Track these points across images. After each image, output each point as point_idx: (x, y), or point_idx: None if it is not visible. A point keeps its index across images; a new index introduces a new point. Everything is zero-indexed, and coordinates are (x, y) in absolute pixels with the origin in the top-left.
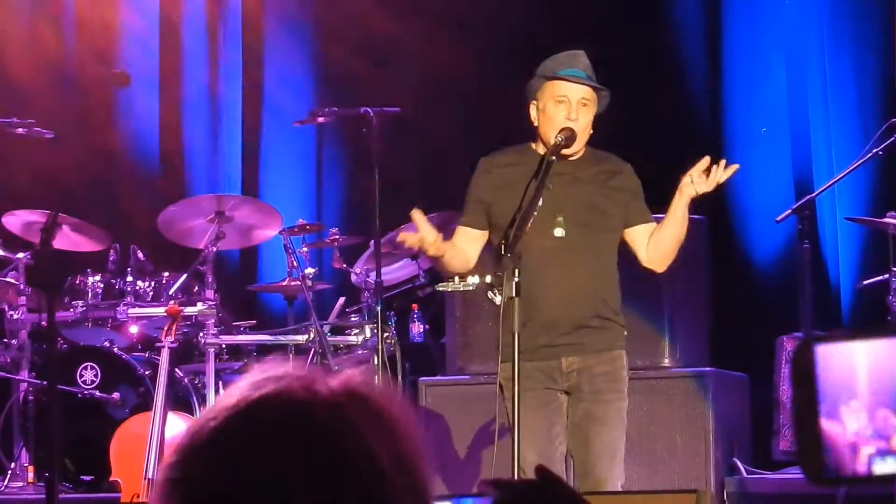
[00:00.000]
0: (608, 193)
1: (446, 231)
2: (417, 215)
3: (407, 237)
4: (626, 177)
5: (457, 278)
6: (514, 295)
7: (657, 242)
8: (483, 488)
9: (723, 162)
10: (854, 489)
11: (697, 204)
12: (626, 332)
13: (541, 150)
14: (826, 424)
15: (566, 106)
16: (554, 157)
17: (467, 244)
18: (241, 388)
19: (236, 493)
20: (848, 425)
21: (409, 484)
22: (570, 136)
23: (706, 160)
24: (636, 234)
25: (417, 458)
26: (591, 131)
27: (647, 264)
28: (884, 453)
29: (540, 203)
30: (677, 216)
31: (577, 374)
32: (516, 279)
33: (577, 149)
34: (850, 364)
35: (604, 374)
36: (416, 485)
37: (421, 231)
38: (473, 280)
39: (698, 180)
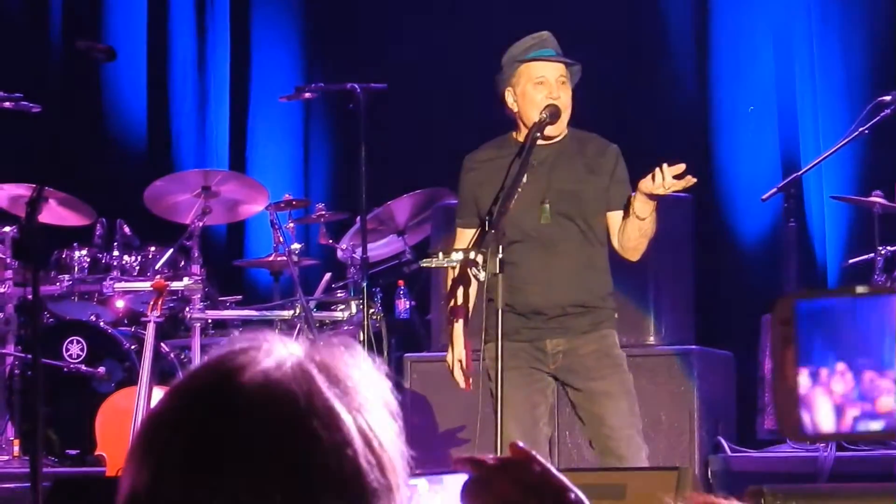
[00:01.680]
0: (590, 178)
1: (432, 207)
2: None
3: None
4: (609, 159)
5: (440, 254)
6: (497, 272)
7: (622, 233)
8: (458, 465)
9: (680, 168)
10: (839, 466)
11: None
12: (616, 315)
13: (521, 138)
14: (808, 384)
15: (546, 86)
16: (539, 134)
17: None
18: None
19: (198, 461)
20: (834, 387)
21: (375, 458)
22: (555, 112)
23: (681, 167)
24: (613, 219)
25: (383, 429)
26: (570, 109)
27: (619, 251)
28: (869, 416)
29: (524, 180)
30: (636, 212)
31: (564, 355)
32: (500, 256)
33: (560, 128)
34: (834, 324)
35: (592, 352)
36: (382, 458)
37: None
38: (457, 256)
39: (650, 183)
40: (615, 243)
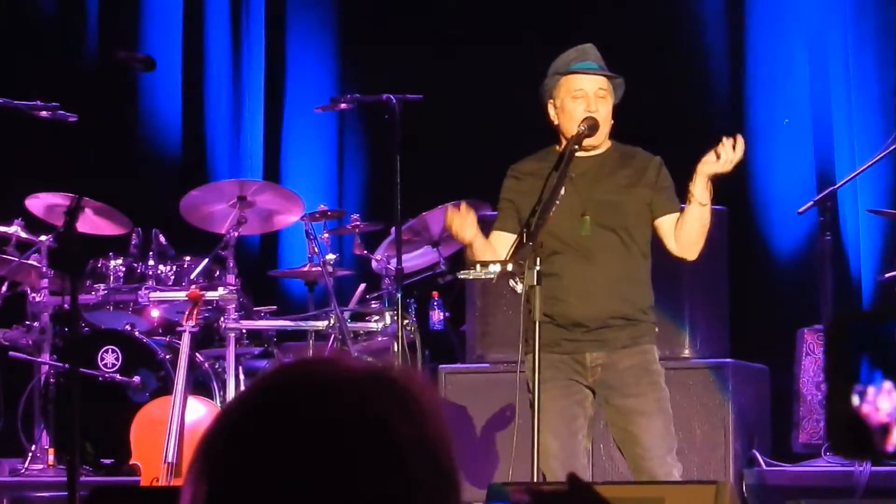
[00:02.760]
0: (632, 190)
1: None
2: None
3: (452, 215)
4: (651, 170)
5: (478, 266)
6: (535, 284)
7: (681, 229)
8: (517, 496)
9: (735, 139)
10: (875, 480)
11: (719, 193)
12: (656, 329)
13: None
14: (857, 403)
15: (584, 99)
16: (577, 146)
17: (501, 248)
18: (268, 369)
19: (255, 472)
20: (881, 406)
21: (436, 469)
22: (593, 125)
23: (727, 142)
24: (663, 224)
25: (444, 442)
26: (612, 122)
27: (676, 253)
28: None
29: (562, 192)
30: (695, 198)
31: (602, 368)
32: (538, 268)
33: (599, 140)
34: (884, 343)
35: (631, 367)
36: (443, 470)
37: (467, 218)
38: (495, 268)
39: (712, 160)
40: (671, 246)
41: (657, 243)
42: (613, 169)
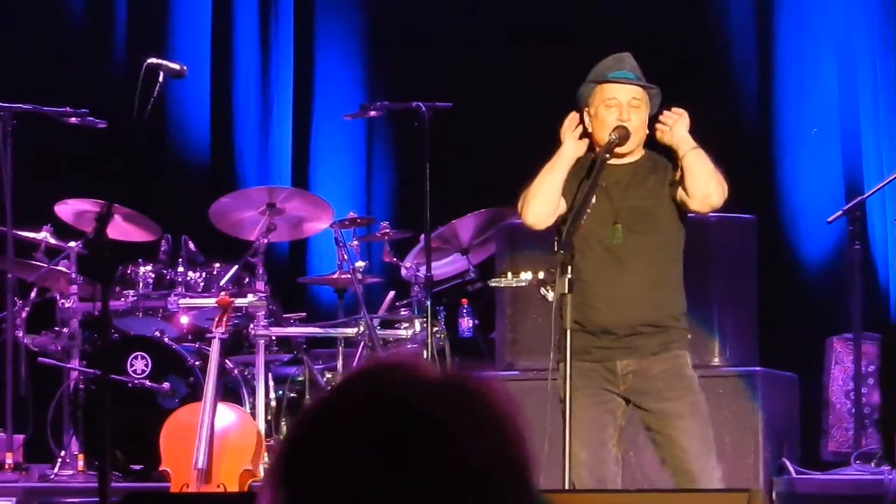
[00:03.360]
0: (662, 193)
1: (496, 226)
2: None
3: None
4: (670, 169)
5: (509, 274)
6: (566, 291)
7: (688, 183)
8: None
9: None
10: None
11: (748, 203)
12: (689, 336)
13: None
14: None
15: (617, 108)
16: (608, 155)
17: None
18: (344, 376)
19: (328, 475)
20: None
21: (512, 480)
22: (623, 135)
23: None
24: (679, 191)
25: (521, 461)
26: (647, 132)
27: (700, 208)
28: None
29: (593, 201)
30: (680, 150)
31: (633, 375)
32: (569, 276)
33: (630, 148)
34: None
35: (663, 372)
36: (520, 482)
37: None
38: (526, 276)
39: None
40: (693, 205)
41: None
42: (645, 176)
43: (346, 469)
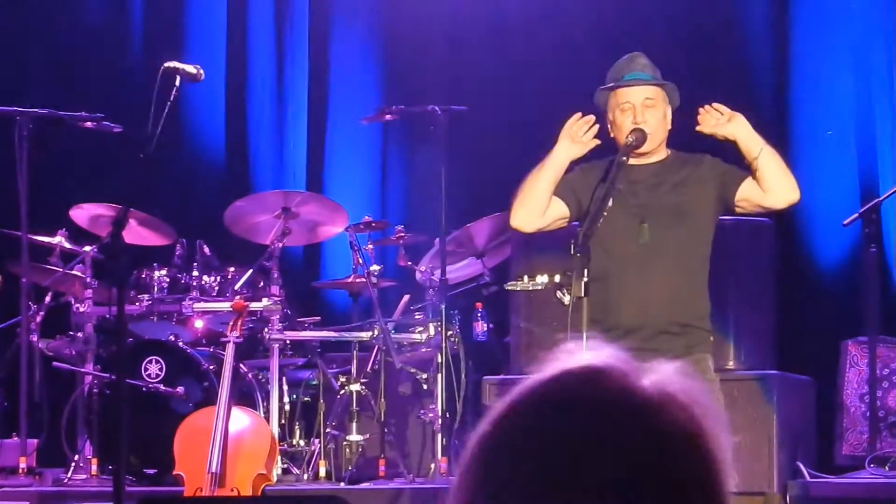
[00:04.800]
0: (689, 189)
1: (509, 231)
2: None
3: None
4: (706, 165)
5: (525, 277)
6: (582, 295)
7: (763, 182)
8: None
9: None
10: None
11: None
12: (711, 338)
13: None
14: None
15: (632, 111)
16: (625, 158)
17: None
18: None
19: (521, 475)
20: None
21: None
22: (640, 137)
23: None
24: (745, 188)
25: (722, 481)
26: (669, 127)
27: (777, 205)
28: None
29: (610, 204)
30: (750, 153)
31: None
32: (585, 279)
33: (652, 146)
34: None
35: None
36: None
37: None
38: (542, 279)
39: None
40: (770, 201)
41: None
42: (673, 175)
43: (527, 481)
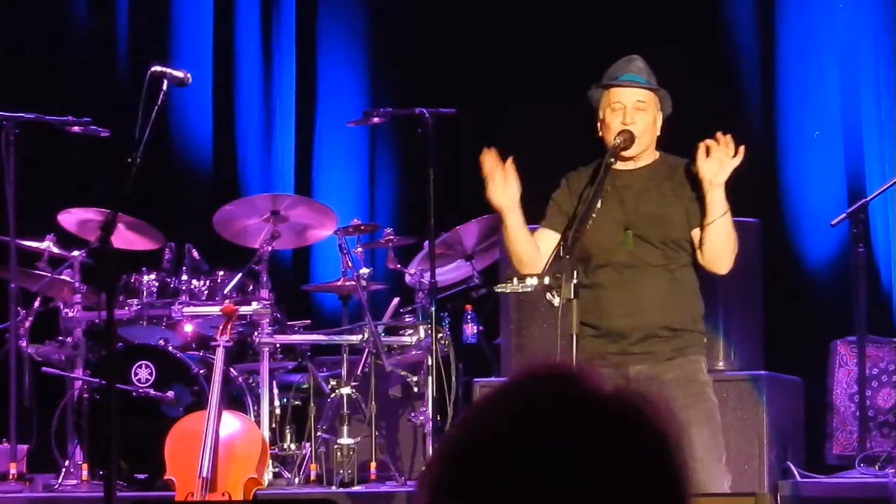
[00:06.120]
0: (676, 201)
1: (498, 233)
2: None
3: (489, 160)
4: (693, 178)
5: (515, 279)
6: (572, 297)
7: (704, 240)
8: None
9: (725, 138)
10: None
11: (751, 206)
12: (705, 340)
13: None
14: None
15: (622, 111)
16: (612, 160)
17: (542, 242)
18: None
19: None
20: None
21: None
22: (628, 138)
23: (720, 139)
24: (694, 235)
25: (682, 484)
26: (657, 133)
27: (704, 265)
28: None
29: (599, 205)
30: (711, 206)
31: (646, 381)
32: (575, 280)
33: (639, 150)
34: None
35: (675, 378)
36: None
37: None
38: (532, 282)
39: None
40: (700, 259)
41: None
42: (659, 181)
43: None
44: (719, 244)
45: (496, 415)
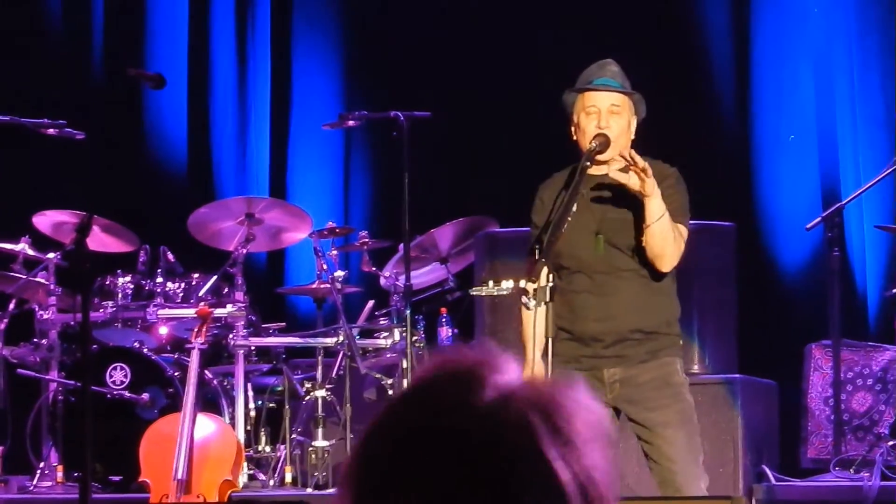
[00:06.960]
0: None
1: (475, 235)
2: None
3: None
4: (666, 183)
5: (490, 282)
6: (548, 300)
7: (645, 242)
8: None
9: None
10: (884, 495)
11: (726, 209)
12: (681, 342)
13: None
14: None
15: (596, 115)
16: (588, 163)
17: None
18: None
19: (384, 489)
20: None
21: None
22: (603, 142)
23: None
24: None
25: (601, 472)
26: (632, 138)
27: (655, 265)
28: None
29: (574, 209)
30: (648, 213)
31: (620, 384)
32: (550, 284)
33: (612, 154)
34: None
35: (651, 381)
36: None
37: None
38: (508, 285)
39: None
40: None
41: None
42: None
43: (423, 487)
44: (657, 247)
45: (390, 410)
